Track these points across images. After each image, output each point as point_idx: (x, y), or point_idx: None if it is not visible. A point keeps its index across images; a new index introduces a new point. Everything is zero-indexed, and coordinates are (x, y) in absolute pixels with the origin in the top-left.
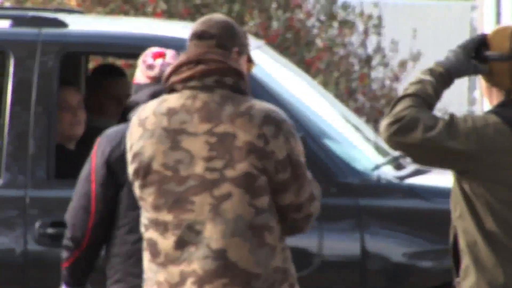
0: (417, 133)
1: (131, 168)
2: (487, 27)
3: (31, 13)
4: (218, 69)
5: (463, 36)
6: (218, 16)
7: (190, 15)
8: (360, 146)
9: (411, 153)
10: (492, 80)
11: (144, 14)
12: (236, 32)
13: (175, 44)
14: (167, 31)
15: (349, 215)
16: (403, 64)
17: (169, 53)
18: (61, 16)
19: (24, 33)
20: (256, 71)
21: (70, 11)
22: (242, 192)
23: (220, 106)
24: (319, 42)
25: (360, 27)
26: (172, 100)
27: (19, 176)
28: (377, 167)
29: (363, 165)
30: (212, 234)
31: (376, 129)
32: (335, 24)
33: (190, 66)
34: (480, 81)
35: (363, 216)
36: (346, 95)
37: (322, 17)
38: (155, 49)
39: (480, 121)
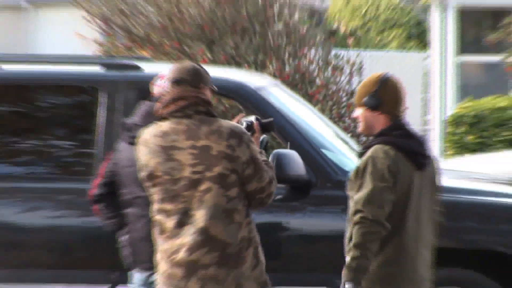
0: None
1: (142, 175)
2: (435, 71)
3: (116, 60)
4: (193, 102)
5: (418, 77)
6: (187, 63)
7: (227, 61)
8: (347, 153)
9: None
10: (382, 108)
11: (195, 62)
12: (201, 73)
13: (219, 84)
14: (214, 73)
15: (340, 203)
16: None
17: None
18: (137, 62)
19: (112, 74)
20: (274, 101)
21: (143, 58)
22: (218, 187)
23: (198, 127)
24: (318, 81)
25: (347, 70)
26: (165, 126)
27: None
28: None
29: (350, 166)
30: (198, 217)
31: (358, 142)
32: (330, 68)
33: (175, 102)
34: (363, 113)
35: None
36: (337, 118)
37: (320, 63)
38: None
39: (378, 159)
